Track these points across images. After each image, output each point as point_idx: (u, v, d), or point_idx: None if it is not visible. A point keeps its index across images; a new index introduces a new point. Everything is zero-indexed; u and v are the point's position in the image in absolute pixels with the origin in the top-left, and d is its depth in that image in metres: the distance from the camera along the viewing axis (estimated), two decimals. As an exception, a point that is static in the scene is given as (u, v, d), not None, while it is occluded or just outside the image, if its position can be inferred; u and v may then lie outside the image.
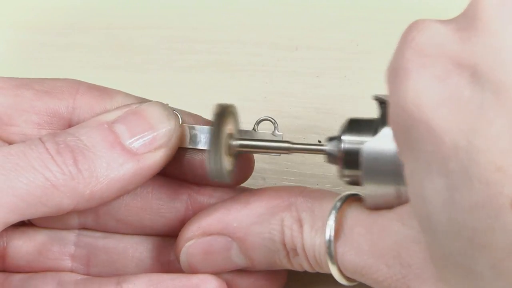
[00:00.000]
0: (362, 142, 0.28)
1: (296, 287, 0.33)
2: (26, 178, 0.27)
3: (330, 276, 0.33)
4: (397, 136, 0.25)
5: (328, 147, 0.29)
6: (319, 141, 0.38)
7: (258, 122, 0.31)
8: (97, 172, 0.28)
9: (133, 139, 0.29)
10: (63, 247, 0.33)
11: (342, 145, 0.29)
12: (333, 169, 0.37)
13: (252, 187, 0.33)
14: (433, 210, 0.23)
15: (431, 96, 0.23)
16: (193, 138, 0.31)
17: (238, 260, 0.30)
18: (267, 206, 0.29)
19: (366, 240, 0.27)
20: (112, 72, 0.43)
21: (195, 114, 0.32)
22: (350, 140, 0.29)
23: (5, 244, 0.32)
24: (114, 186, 0.29)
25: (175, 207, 0.32)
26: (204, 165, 0.31)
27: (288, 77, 0.43)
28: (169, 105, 0.31)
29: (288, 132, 0.39)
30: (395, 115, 0.25)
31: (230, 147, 0.30)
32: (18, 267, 0.32)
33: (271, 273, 0.31)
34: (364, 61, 0.43)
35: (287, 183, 0.37)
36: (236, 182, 0.32)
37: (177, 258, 0.31)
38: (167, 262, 0.32)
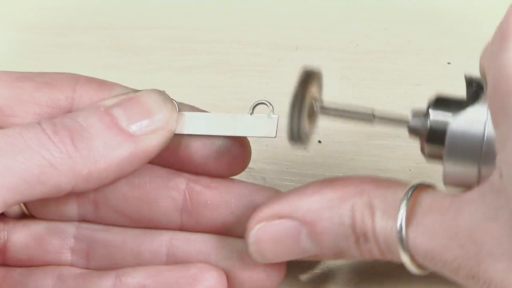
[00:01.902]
0: (447, 119, 0.27)
1: (296, 286, 0.33)
2: (23, 157, 0.27)
3: (329, 275, 0.33)
4: (493, 101, 0.25)
5: (413, 121, 0.29)
6: (319, 141, 0.38)
7: (254, 106, 0.31)
8: (94, 151, 0.28)
9: (129, 122, 0.29)
10: (63, 240, 0.33)
11: (429, 120, 0.28)
12: (333, 169, 0.37)
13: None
14: None
15: None
16: (190, 125, 0.31)
17: (307, 246, 0.29)
18: (338, 192, 0.29)
19: (440, 223, 0.27)
20: (112, 72, 0.43)
21: (192, 106, 0.32)
22: (436, 116, 0.28)
23: (5, 237, 0.32)
24: (112, 167, 0.29)
25: (173, 197, 0.32)
26: (200, 152, 0.31)
27: (288, 77, 0.43)
28: (166, 93, 0.31)
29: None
30: (495, 79, 0.25)
31: (312, 110, 0.30)
32: (18, 261, 0.33)
33: (270, 266, 0.31)
34: (364, 61, 0.43)
35: (287, 183, 0.37)
36: (232, 172, 0.32)
37: (246, 242, 0.30)
38: (166, 254, 0.32)
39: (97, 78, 0.33)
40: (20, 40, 0.47)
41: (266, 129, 0.31)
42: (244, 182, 0.32)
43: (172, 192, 0.32)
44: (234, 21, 0.46)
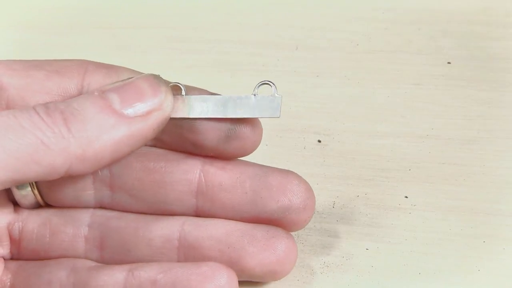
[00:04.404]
0: None
1: (296, 286, 0.33)
2: (16, 136, 0.28)
3: (329, 275, 0.33)
4: None
5: None
6: (319, 141, 0.38)
7: (258, 86, 0.31)
8: (88, 132, 0.28)
9: (123, 105, 0.29)
10: (77, 228, 0.33)
11: None
12: (333, 169, 0.37)
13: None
14: None
15: None
16: (192, 108, 0.31)
17: None
18: None
19: None
20: (112, 72, 0.43)
21: (201, 89, 0.32)
22: None
23: (20, 228, 0.33)
24: (107, 148, 0.29)
25: (188, 179, 0.32)
26: (210, 135, 0.31)
27: (288, 77, 0.43)
28: (161, 76, 0.31)
29: (288, 132, 0.39)
30: None
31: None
32: (33, 251, 0.33)
33: (281, 251, 0.31)
34: (364, 61, 0.43)
35: (287, 183, 0.37)
36: (243, 153, 0.32)
37: None
38: (178, 239, 0.32)
39: (105, 64, 0.33)
40: (20, 40, 0.47)
41: (270, 109, 0.31)
42: (258, 164, 0.32)
43: (187, 175, 0.32)
44: (234, 21, 0.46)
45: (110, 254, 0.32)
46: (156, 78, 0.31)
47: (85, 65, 0.32)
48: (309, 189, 0.32)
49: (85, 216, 0.33)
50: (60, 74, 0.32)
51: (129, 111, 0.29)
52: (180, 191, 0.32)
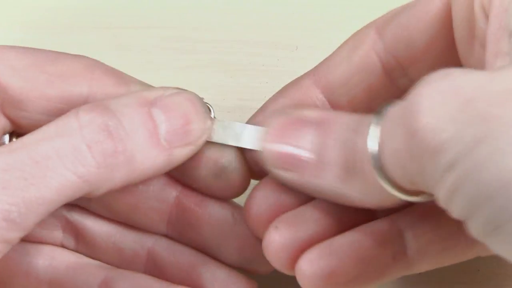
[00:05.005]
0: None
1: (296, 286, 0.33)
2: (57, 182, 0.26)
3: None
4: None
5: None
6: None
7: None
8: (133, 165, 0.28)
9: (168, 131, 0.29)
10: (55, 218, 0.33)
11: None
12: (333, 169, 0.37)
13: (251, 185, 0.33)
14: None
15: None
16: (219, 134, 0.30)
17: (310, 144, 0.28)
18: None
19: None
20: (112, 72, 0.43)
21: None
22: None
23: None
24: (143, 177, 0.29)
25: (161, 209, 0.32)
26: (200, 169, 0.31)
27: (288, 77, 0.43)
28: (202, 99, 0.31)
29: (288, 132, 0.39)
30: None
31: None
32: None
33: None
34: (364, 61, 0.43)
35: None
36: (227, 196, 0.32)
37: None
38: (146, 255, 0.33)
39: (114, 70, 0.32)
40: (20, 40, 0.46)
41: None
42: (235, 206, 0.32)
43: (161, 204, 0.32)
44: (234, 21, 0.46)
45: (84, 248, 0.33)
46: (203, 105, 0.30)
47: (92, 69, 0.31)
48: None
49: (62, 209, 0.33)
50: (63, 80, 0.30)
51: (171, 141, 0.29)
52: (152, 218, 0.32)
